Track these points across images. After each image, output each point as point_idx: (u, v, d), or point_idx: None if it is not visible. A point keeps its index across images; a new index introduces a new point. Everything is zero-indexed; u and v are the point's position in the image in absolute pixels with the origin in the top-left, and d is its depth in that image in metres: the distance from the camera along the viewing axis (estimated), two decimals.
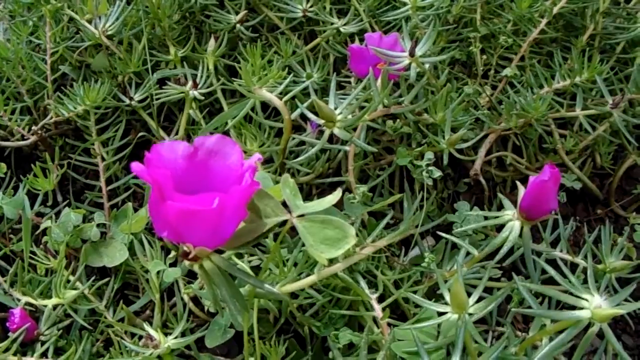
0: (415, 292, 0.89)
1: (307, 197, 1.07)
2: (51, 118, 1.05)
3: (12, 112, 1.05)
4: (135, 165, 0.63)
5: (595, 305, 0.67)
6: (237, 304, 0.71)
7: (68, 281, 0.91)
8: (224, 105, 1.10)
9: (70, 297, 0.89)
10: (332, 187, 1.08)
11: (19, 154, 1.12)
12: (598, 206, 1.06)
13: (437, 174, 0.93)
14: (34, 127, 1.04)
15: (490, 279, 0.96)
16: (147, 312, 0.98)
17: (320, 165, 1.06)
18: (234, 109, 1.05)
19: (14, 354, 0.86)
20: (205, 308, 0.95)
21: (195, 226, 0.64)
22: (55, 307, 0.92)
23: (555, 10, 1.07)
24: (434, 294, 0.93)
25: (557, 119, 1.04)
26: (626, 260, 0.89)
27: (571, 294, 0.69)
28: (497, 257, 0.77)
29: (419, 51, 0.96)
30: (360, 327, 0.89)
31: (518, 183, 0.78)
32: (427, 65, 0.99)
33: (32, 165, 1.02)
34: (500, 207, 1.04)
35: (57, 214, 1.04)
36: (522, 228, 0.78)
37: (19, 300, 0.93)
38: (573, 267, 0.90)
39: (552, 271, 0.72)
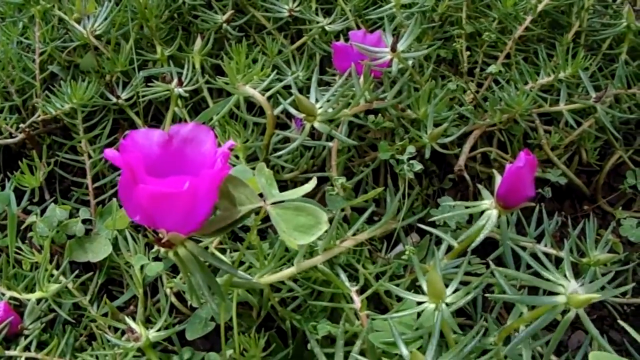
0: (397, 286, 0.89)
1: None
2: (39, 116, 1.06)
3: (1, 111, 1.06)
4: (109, 151, 0.64)
5: (571, 291, 0.67)
6: (213, 291, 0.71)
7: (52, 275, 0.92)
8: (210, 104, 1.11)
9: (54, 291, 0.89)
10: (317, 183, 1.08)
11: (7, 152, 1.13)
12: (585, 202, 1.06)
13: (418, 167, 0.93)
14: (21, 125, 1.05)
15: (475, 274, 0.96)
16: (131, 307, 0.98)
17: (305, 162, 1.06)
18: (218, 106, 1.05)
19: None
20: (188, 303, 0.96)
21: (167, 210, 0.65)
22: (39, 302, 0.93)
23: (540, 7, 1.07)
24: (415, 287, 0.93)
25: (543, 115, 1.04)
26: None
27: (547, 280, 0.69)
28: (473, 245, 0.77)
29: (400, 46, 0.97)
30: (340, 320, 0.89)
31: (495, 172, 0.78)
32: (410, 62, 1.00)
33: (20, 163, 1.03)
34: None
35: (43, 211, 1.05)
36: (499, 217, 0.78)
37: (3, 294, 0.93)
38: (558, 261, 0.90)
39: (531, 261, 0.72)
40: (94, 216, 1.03)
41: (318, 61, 1.16)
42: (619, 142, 1.03)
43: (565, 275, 0.70)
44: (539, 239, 0.94)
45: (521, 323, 0.74)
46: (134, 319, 0.97)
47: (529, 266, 0.79)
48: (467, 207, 0.82)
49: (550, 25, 1.13)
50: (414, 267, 0.94)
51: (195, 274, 0.70)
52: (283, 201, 0.71)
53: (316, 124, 0.91)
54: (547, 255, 0.88)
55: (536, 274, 0.74)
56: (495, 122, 1.01)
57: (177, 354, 0.91)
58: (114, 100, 1.09)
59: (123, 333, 0.93)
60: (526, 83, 1.04)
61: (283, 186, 1.06)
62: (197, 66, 1.11)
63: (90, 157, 1.07)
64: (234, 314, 0.83)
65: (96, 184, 1.07)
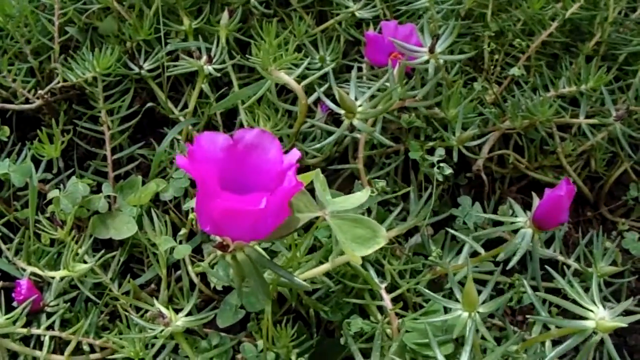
0: (418, 283, 0.93)
1: None
2: (58, 82, 1.02)
3: (17, 73, 1.02)
4: (180, 159, 0.64)
5: (600, 317, 0.72)
6: (263, 294, 0.73)
7: (77, 254, 0.91)
8: (234, 81, 1.10)
9: (80, 271, 0.89)
10: (337, 171, 1.10)
11: (20, 116, 1.09)
12: (587, 208, 1.12)
13: (448, 171, 0.96)
14: (39, 91, 1.01)
15: (487, 272, 1.01)
16: (152, 285, 0.99)
17: (329, 149, 1.07)
18: (249, 89, 1.04)
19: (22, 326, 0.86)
20: (212, 285, 0.97)
21: (239, 223, 0.66)
22: (61, 279, 0.92)
23: (567, 14, 1.09)
24: (434, 284, 0.97)
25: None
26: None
27: (578, 304, 0.74)
28: (511, 264, 0.81)
29: (438, 48, 0.98)
30: (363, 313, 0.92)
31: (533, 194, 0.81)
32: (441, 61, 1.01)
33: (36, 130, 1.00)
34: (499, 202, 1.10)
35: (60, 181, 1.03)
36: (533, 236, 0.82)
37: (23, 270, 0.92)
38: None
39: (561, 280, 0.76)
40: (113, 190, 1.02)
41: (342, 44, 1.16)
42: (624, 152, 1.08)
43: (593, 300, 0.75)
44: (547, 243, 1.00)
45: (547, 338, 0.79)
46: (155, 297, 0.98)
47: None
48: (499, 223, 0.86)
49: (570, 31, 1.16)
50: (434, 265, 0.99)
51: (250, 278, 0.71)
52: (342, 211, 0.73)
53: (355, 122, 0.92)
54: (567, 266, 0.95)
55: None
56: (516, 126, 1.05)
57: (198, 334, 0.93)
58: (136, 70, 1.06)
59: (146, 312, 0.95)
60: (547, 89, 1.08)
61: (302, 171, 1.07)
62: (223, 40, 1.08)
63: (109, 127, 1.05)
64: (269, 305, 0.85)
65: (115, 156, 1.05)
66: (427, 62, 0.98)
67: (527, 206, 1.11)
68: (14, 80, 1.01)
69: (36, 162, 1.00)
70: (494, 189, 1.09)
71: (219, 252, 0.71)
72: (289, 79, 0.98)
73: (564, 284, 0.74)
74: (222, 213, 0.64)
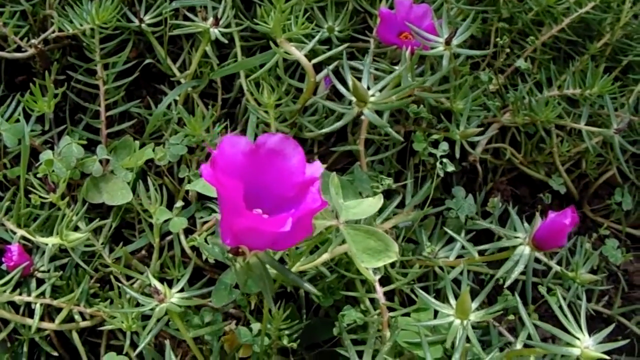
0: (406, 275, 0.95)
1: (309, 153, 1.07)
2: (53, 32, 0.96)
3: (10, 17, 0.94)
4: (205, 170, 0.63)
5: (585, 345, 0.76)
6: (270, 295, 0.74)
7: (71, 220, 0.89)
8: (237, 44, 1.05)
9: (74, 240, 0.87)
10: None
11: (10, 65, 1.02)
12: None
13: (451, 168, 0.96)
14: (32, 41, 0.94)
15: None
16: (143, 252, 0.98)
17: (328, 124, 1.05)
18: (256, 59, 1.01)
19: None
20: (203, 257, 0.97)
21: (261, 240, 0.65)
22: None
23: (581, 12, 1.08)
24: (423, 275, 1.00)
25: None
26: None
27: (566, 330, 0.77)
28: (507, 284, 0.83)
29: (455, 40, 0.96)
30: (354, 299, 0.94)
31: (537, 214, 0.83)
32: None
33: (25, 75, 0.95)
34: (489, 192, 1.12)
35: (51, 138, 0.99)
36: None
37: (13, 232, 0.89)
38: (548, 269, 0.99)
39: (553, 305, 0.79)
40: (106, 147, 0.99)
41: (349, 11, 1.12)
42: (614, 156, 1.11)
43: (580, 327, 0.78)
44: None
45: (533, 354, 0.83)
46: (146, 265, 0.98)
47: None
48: (500, 237, 0.88)
49: (579, 29, 1.15)
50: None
51: (259, 280, 0.72)
52: (356, 221, 0.74)
53: (365, 111, 0.91)
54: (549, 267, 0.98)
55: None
56: (517, 122, 1.05)
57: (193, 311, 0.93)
58: (136, 23, 1.00)
59: (137, 280, 0.95)
60: (550, 83, 1.08)
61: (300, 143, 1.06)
62: None
63: (104, 82, 1.00)
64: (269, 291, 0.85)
65: (109, 113, 1.01)
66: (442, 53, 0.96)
67: (516, 199, 1.15)
68: (5, 25, 0.94)
69: (25, 113, 0.95)
70: (486, 180, 1.11)
71: (230, 255, 0.71)
72: (299, 55, 0.94)
73: (556, 310, 0.77)
74: (246, 230, 0.64)
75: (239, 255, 0.70)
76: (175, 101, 1.02)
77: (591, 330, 0.77)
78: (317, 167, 0.69)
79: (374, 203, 0.77)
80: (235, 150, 0.67)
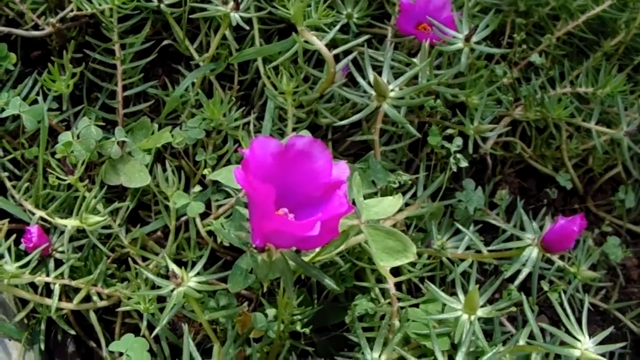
0: (415, 265, 0.98)
1: (323, 138, 1.08)
2: (71, 10, 0.95)
3: None
4: (238, 175, 0.64)
5: (585, 347, 0.80)
6: (290, 289, 0.76)
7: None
8: (255, 27, 1.05)
9: (94, 224, 0.88)
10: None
11: (26, 41, 1.01)
12: (575, 199, 1.18)
13: (464, 163, 0.98)
14: (50, 19, 0.93)
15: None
16: (159, 233, 1.00)
17: (344, 111, 1.06)
18: (276, 46, 1.01)
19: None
20: (219, 240, 0.98)
21: (290, 241, 0.67)
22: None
23: (597, 10, 1.09)
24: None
25: None
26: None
27: (569, 333, 0.81)
28: (516, 283, 0.86)
29: (474, 37, 0.96)
30: (364, 287, 0.97)
31: (547, 218, 0.86)
32: None
33: (41, 50, 0.94)
34: (496, 186, 1.14)
35: (68, 117, 0.99)
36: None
37: (32, 213, 0.90)
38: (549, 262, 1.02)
39: (556, 305, 0.83)
40: (122, 125, 0.99)
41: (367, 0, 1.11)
42: (620, 154, 1.13)
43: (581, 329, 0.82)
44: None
45: (535, 351, 0.86)
46: (161, 246, 0.99)
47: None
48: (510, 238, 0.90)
49: (594, 25, 1.15)
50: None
51: (282, 275, 0.74)
52: (378, 221, 0.76)
53: (385, 106, 0.92)
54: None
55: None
56: (528, 117, 1.07)
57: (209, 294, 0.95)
58: (156, 3, 0.99)
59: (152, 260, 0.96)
60: (563, 77, 1.09)
61: (313, 130, 1.06)
62: None
63: (122, 62, 0.99)
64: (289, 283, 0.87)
65: (126, 93, 1.01)
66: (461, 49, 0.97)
67: (522, 191, 1.17)
68: (23, 1, 0.93)
69: (42, 91, 0.95)
70: (495, 171, 1.13)
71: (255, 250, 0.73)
72: (321, 45, 0.95)
73: (559, 311, 0.80)
74: (275, 232, 0.65)
75: (264, 252, 0.72)
76: (193, 83, 1.02)
77: (588, 324, 0.81)
78: (343, 169, 0.70)
79: (394, 203, 0.79)
80: (265, 152, 0.68)
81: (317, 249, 0.87)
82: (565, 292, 1.01)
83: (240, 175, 0.64)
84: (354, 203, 0.75)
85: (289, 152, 0.69)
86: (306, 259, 0.82)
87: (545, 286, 0.98)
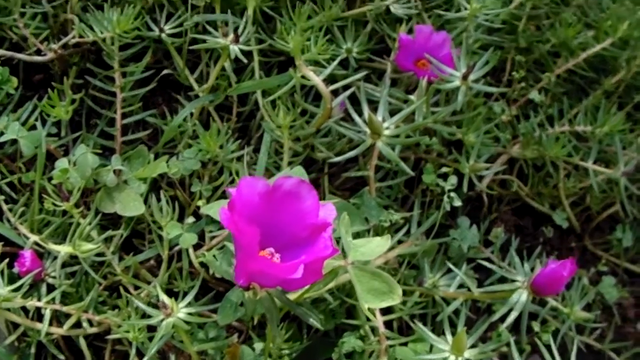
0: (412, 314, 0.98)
1: (319, 172, 1.08)
2: (73, 37, 0.96)
3: (32, 18, 0.95)
4: (223, 215, 0.64)
5: None
6: (276, 325, 0.76)
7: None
8: (255, 59, 1.06)
9: (88, 252, 0.88)
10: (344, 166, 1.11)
11: (28, 65, 1.02)
12: (572, 237, 1.17)
13: (458, 203, 0.98)
14: (52, 45, 0.95)
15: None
16: (152, 262, 1.00)
17: (340, 146, 1.07)
18: (275, 80, 1.02)
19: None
20: (210, 271, 0.99)
21: (274, 281, 0.67)
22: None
23: (598, 47, 1.09)
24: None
25: None
26: None
27: None
28: (505, 325, 0.86)
29: (472, 76, 0.97)
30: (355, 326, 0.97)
31: (537, 262, 0.85)
32: None
33: (42, 74, 0.95)
34: (492, 223, 1.13)
35: (67, 143, 1.00)
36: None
37: (26, 237, 0.91)
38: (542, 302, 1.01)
39: (546, 353, 0.82)
40: (120, 156, 1.00)
41: (367, 32, 1.12)
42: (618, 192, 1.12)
43: None
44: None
45: None
46: (154, 274, 1.00)
47: None
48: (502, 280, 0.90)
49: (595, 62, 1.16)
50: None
51: (268, 311, 0.74)
52: (367, 262, 0.76)
53: (379, 144, 0.92)
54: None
55: None
56: (526, 155, 1.07)
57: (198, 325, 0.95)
58: (157, 32, 1.01)
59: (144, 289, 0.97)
60: (562, 114, 1.09)
61: (309, 164, 1.07)
62: (250, 12, 1.03)
63: (122, 90, 1.01)
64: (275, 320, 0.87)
65: (125, 121, 1.02)
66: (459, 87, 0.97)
67: (518, 229, 1.16)
68: (27, 26, 0.95)
69: (41, 116, 0.96)
70: (491, 209, 1.13)
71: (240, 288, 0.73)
72: (318, 81, 0.95)
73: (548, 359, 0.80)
74: (259, 273, 0.66)
75: (249, 290, 0.72)
76: (191, 113, 1.03)
77: None
78: (330, 211, 0.71)
79: (382, 243, 0.78)
80: (252, 191, 0.69)
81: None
82: (558, 330, 1.00)
83: (225, 216, 0.65)
84: (338, 242, 0.75)
85: (276, 193, 0.70)
86: (294, 295, 0.82)
87: (537, 327, 0.98)
